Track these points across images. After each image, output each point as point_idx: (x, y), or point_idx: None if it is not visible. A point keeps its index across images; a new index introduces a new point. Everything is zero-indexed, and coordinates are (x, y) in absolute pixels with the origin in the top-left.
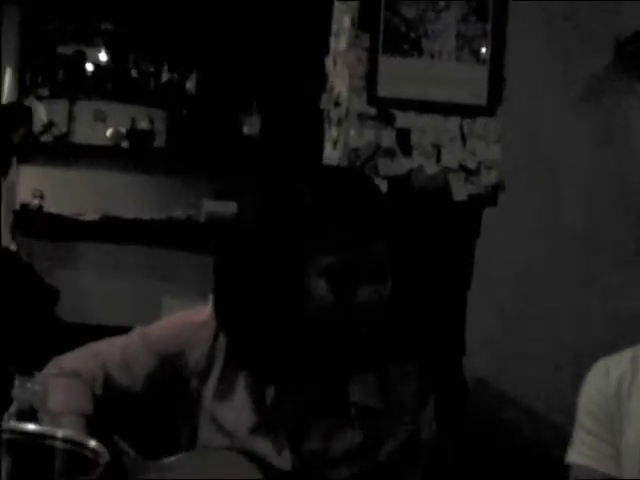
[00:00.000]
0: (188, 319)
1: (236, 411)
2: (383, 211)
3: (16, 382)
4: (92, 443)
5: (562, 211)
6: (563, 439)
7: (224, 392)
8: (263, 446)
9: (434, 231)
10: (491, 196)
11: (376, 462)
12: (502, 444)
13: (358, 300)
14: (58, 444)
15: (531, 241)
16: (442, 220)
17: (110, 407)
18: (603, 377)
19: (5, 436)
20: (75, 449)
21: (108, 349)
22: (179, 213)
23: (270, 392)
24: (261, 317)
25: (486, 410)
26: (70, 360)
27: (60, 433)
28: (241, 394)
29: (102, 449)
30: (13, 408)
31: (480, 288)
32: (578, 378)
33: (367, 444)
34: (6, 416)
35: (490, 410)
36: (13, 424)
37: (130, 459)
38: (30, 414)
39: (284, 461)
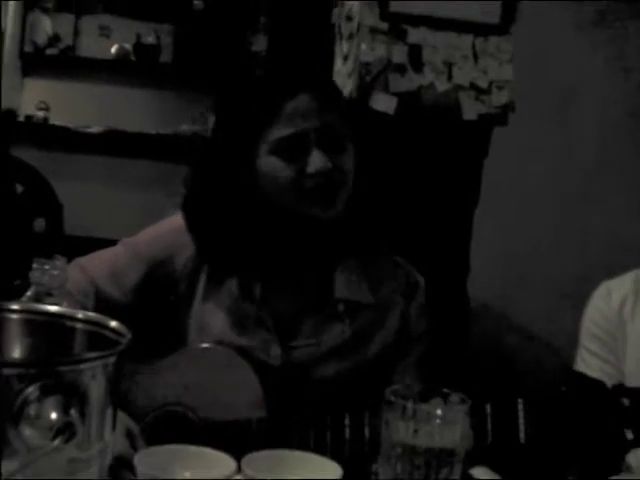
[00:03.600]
0: (173, 224)
1: (224, 309)
2: (330, 85)
3: (34, 265)
4: (113, 323)
5: (571, 134)
6: (564, 365)
7: (212, 292)
8: (252, 343)
9: (442, 148)
10: (501, 116)
11: (365, 358)
12: (503, 367)
13: (311, 169)
14: (78, 325)
15: (539, 163)
16: (451, 138)
17: None
18: (605, 299)
19: (24, 316)
20: (96, 329)
21: (95, 263)
22: (185, 128)
23: (258, 288)
24: (227, 210)
25: (488, 333)
26: None
27: (80, 314)
28: (229, 293)
29: (124, 328)
30: (31, 291)
31: (486, 210)
32: (581, 303)
33: (356, 339)
34: (24, 298)
35: (492, 333)
36: (32, 305)
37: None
38: (48, 297)
39: (274, 357)
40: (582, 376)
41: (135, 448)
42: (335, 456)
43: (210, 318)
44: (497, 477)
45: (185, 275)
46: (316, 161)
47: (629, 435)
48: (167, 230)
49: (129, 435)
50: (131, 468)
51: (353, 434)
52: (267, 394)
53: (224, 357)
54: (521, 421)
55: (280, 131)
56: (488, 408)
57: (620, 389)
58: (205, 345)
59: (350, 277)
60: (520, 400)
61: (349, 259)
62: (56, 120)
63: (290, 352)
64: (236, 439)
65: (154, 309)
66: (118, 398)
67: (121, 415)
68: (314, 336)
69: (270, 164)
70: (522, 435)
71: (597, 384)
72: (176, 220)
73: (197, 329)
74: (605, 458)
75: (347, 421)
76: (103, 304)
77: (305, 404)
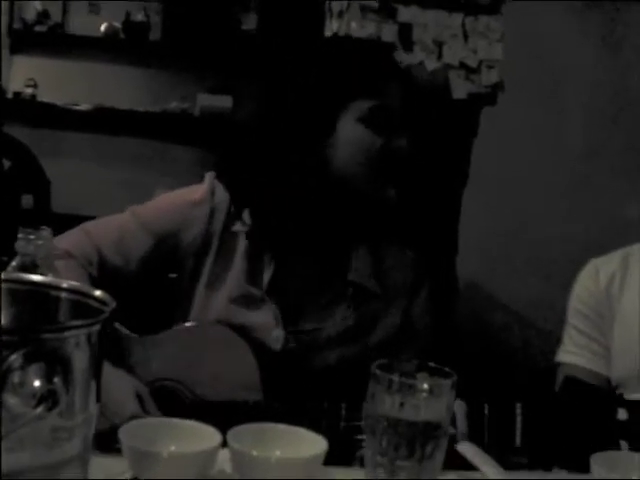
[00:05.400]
0: (183, 197)
1: (230, 290)
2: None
3: (20, 235)
4: (97, 292)
5: (562, 115)
6: (552, 345)
7: (220, 271)
8: (256, 324)
9: (432, 128)
10: (491, 95)
11: (366, 347)
12: (490, 346)
13: (393, 146)
14: (63, 294)
15: (529, 144)
16: (440, 117)
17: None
18: (593, 277)
19: (9, 286)
20: (80, 299)
21: (101, 229)
22: (174, 106)
23: (267, 271)
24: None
25: (476, 312)
26: (62, 241)
27: (65, 283)
28: (236, 273)
29: (108, 297)
30: (16, 261)
31: (475, 190)
32: (568, 284)
33: (359, 327)
34: (9, 268)
35: (480, 313)
36: (17, 274)
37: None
38: (33, 267)
39: (275, 340)
40: (580, 383)
41: (146, 410)
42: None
43: (214, 296)
44: (484, 454)
45: (192, 252)
46: (397, 142)
47: (624, 446)
48: (176, 204)
49: (138, 397)
50: None
51: (348, 422)
52: (265, 377)
53: (223, 336)
54: (518, 425)
55: (369, 101)
56: (486, 410)
57: (618, 399)
58: (205, 323)
59: (363, 264)
60: (518, 404)
61: (362, 244)
62: (44, 97)
63: (292, 336)
64: (230, 419)
65: (158, 282)
66: (102, 368)
67: (129, 378)
68: (318, 321)
69: (357, 132)
70: (518, 439)
71: (595, 391)
72: (185, 194)
73: (200, 306)
74: None
75: (343, 410)
76: (107, 272)
77: (303, 390)
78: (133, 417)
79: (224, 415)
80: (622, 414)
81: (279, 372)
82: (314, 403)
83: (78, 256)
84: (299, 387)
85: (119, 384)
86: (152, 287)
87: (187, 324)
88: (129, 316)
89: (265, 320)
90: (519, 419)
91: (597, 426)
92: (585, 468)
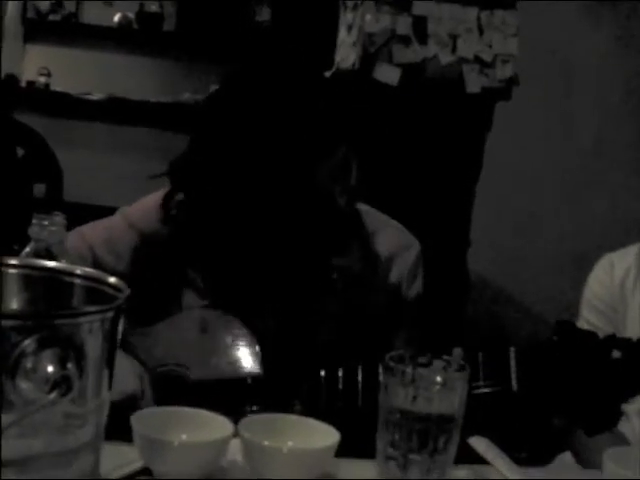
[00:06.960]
0: None
1: None
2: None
3: (34, 221)
4: (112, 279)
5: (575, 111)
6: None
7: None
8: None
9: (445, 121)
10: (505, 90)
11: (359, 325)
12: (499, 341)
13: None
14: (77, 280)
15: (542, 140)
16: (454, 111)
17: None
18: (608, 271)
19: (23, 271)
20: (94, 285)
21: (93, 231)
22: (186, 97)
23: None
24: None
25: (487, 307)
26: None
27: (79, 269)
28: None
29: (122, 284)
30: (30, 247)
31: (487, 185)
32: (579, 280)
33: (349, 304)
34: (23, 254)
35: (491, 307)
36: (31, 260)
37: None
38: (47, 253)
39: (267, 322)
40: (574, 326)
41: (143, 392)
42: (328, 411)
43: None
44: (496, 448)
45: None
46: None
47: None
48: (161, 202)
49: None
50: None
51: (346, 390)
52: (263, 354)
53: (218, 317)
54: (513, 369)
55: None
56: (480, 357)
57: (612, 340)
58: (200, 308)
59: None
60: (512, 349)
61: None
62: (57, 86)
63: (284, 319)
64: (232, 396)
65: (150, 276)
66: (114, 355)
67: (132, 360)
68: (307, 304)
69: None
70: (514, 383)
71: (589, 334)
72: None
73: (191, 295)
74: (598, 407)
75: (340, 378)
76: (101, 270)
77: (300, 364)
78: (133, 396)
79: (227, 392)
80: (616, 354)
81: (276, 348)
82: (312, 373)
83: (72, 256)
84: (297, 362)
85: (121, 362)
86: (145, 281)
87: (184, 311)
88: (127, 309)
89: (256, 304)
90: (513, 363)
91: (593, 367)
92: (582, 410)
